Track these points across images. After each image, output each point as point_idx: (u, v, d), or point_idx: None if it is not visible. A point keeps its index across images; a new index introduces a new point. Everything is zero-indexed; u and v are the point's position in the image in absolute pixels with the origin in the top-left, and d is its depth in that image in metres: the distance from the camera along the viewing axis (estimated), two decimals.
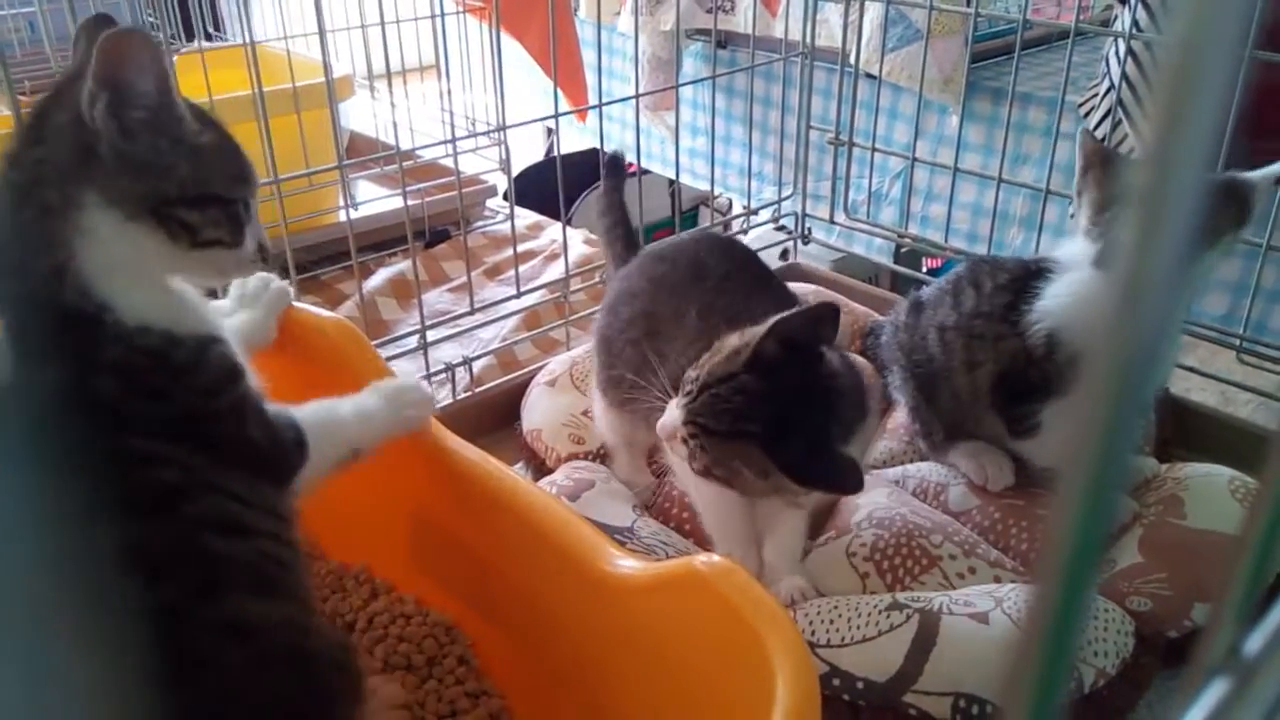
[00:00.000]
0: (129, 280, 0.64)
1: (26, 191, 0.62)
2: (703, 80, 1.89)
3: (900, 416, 1.20)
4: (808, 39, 1.56)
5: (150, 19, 2.09)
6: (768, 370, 0.84)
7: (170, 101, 0.63)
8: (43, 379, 0.62)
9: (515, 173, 1.61)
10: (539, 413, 1.22)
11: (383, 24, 1.38)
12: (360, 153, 1.74)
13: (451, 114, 1.65)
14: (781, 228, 1.74)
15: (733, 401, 0.83)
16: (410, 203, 1.29)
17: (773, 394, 0.84)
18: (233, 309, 0.89)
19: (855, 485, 0.85)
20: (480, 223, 1.83)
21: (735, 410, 0.83)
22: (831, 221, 1.67)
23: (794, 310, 0.86)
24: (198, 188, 0.65)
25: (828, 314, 0.86)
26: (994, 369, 1.03)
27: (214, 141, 0.66)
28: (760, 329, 0.85)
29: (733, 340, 0.88)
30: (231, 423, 0.67)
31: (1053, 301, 0.99)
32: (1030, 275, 1.03)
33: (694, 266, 1.05)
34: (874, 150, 1.59)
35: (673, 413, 0.88)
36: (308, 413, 0.75)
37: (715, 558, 0.70)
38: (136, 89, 0.61)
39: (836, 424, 0.88)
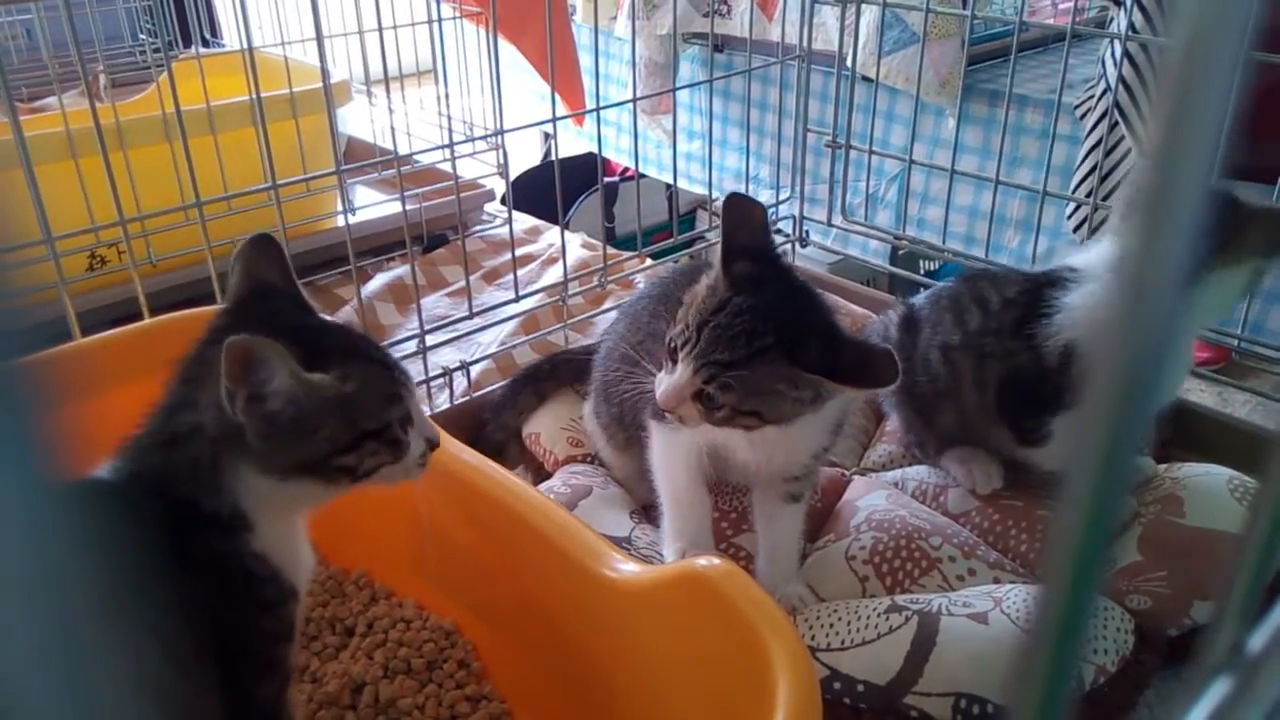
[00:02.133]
0: (276, 518, 0.66)
1: (173, 441, 0.64)
2: (700, 84, 1.90)
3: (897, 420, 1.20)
4: (804, 42, 1.56)
5: (148, 25, 2.09)
6: (753, 288, 0.82)
7: (306, 385, 0.63)
8: (138, 527, 0.62)
9: (513, 177, 1.61)
10: (538, 416, 1.22)
11: (380, 29, 1.38)
12: (358, 158, 1.74)
13: (449, 119, 1.65)
14: (779, 231, 1.74)
15: (735, 325, 0.80)
16: (408, 207, 1.30)
17: (769, 304, 0.81)
18: None
19: (892, 372, 0.78)
20: (478, 227, 1.83)
21: (743, 331, 0.80)
22: (829, 224, 1.67)
23: (730, 222, 0.84)
24: (350, 434, 0.65)
25: (747, 207, 0.85)
26: (1001, 378, 1.03)
27: (359, 381, 0.65)
28: (715, 259, 0.84)
29: (699, 286, 0.86)
30: (253, 674, 0.66)
31: (1072, 312, 0.97)
32: (1043, 286, 1.01)
33: (661, 295, 1.05)
34: (871, 153, 1.59)
35: (669, 380, 0.83)
36: None
37: (716, 561, 0.70)
38: (269, 387, 0.61)
39: (835, 317, 0.86)
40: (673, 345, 0.84)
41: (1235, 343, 1.25)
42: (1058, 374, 0.96)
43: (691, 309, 0.83)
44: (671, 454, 0.95)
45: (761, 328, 0.80)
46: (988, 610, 0.86)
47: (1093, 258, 1.02)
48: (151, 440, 0.64)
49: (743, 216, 0.85)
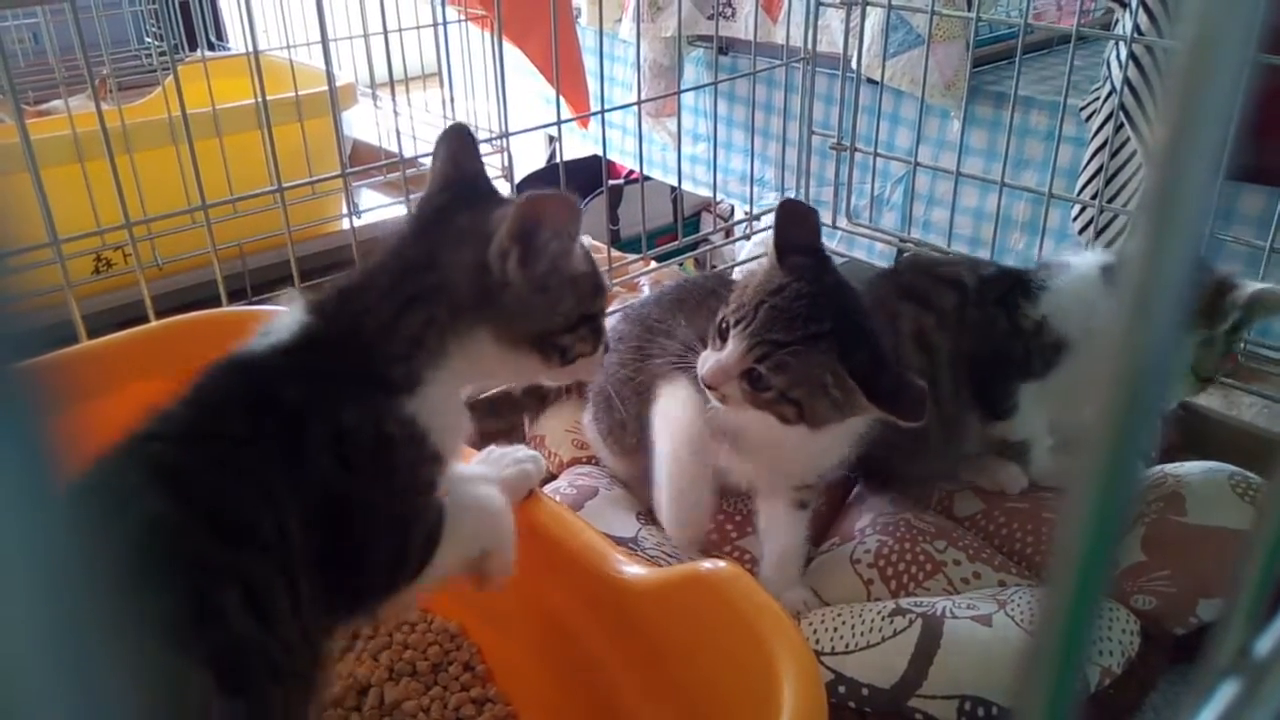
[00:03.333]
0: (454, 385, 0.67)
1: (412, 301, 0.64)
2: (704, 86, 1.89)
3: None
4: (809, 45, 1.56)
5: (154, 29, 2.10)
6: (811, 278, 0.83)
7: (571, 249, 0.66)
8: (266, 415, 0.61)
9: (518, 179, 1.61)
10: (543, 418, 1.22)
11: (385, 32, 1.39)
12: (363, 161, 1.75)
13: (454, 122, 1.65)
14: None
15: (794, 308, 0.81)
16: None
17: (829, 294, 0.82)
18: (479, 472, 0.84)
19: (920, 411, 0.78)
20: None
21: (801, 314, 0.80)
22: (834, 227, 1.67)
23: (783, 222, 0.86)
24: (577, 313, 0.68)
25: (801, 210, 0.88)
26: (984, 355, 1.03)
27: (587, 264, 0.69)
28: (770, 253, 0.86)
29: (755, 272, 0.87)
30: (380, 524, 0.65)
31: (1056, 293, 1.02)
32: (1026, 272, 1.06)
33: (676, 300, 1.05)
34: (876, 155, 1.59)
35: (718, 356, 0.83)
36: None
37: (721, 564, 0.70)
38: (548, 248, 0.64)
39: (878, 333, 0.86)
40: (725, 323, 0.84)
41: (1242, 345, 1.25)
42: (1030, 339, 1.01)
43: (748, 289, 0.84)
44: (685, 407, 0.92)
45: (819, 314, 0.80)
46: (992, 613, 0.86)
47: (1084, 256, 1.08)
48: (374, 295, 0.64)
49: (797, 217, 0.87)
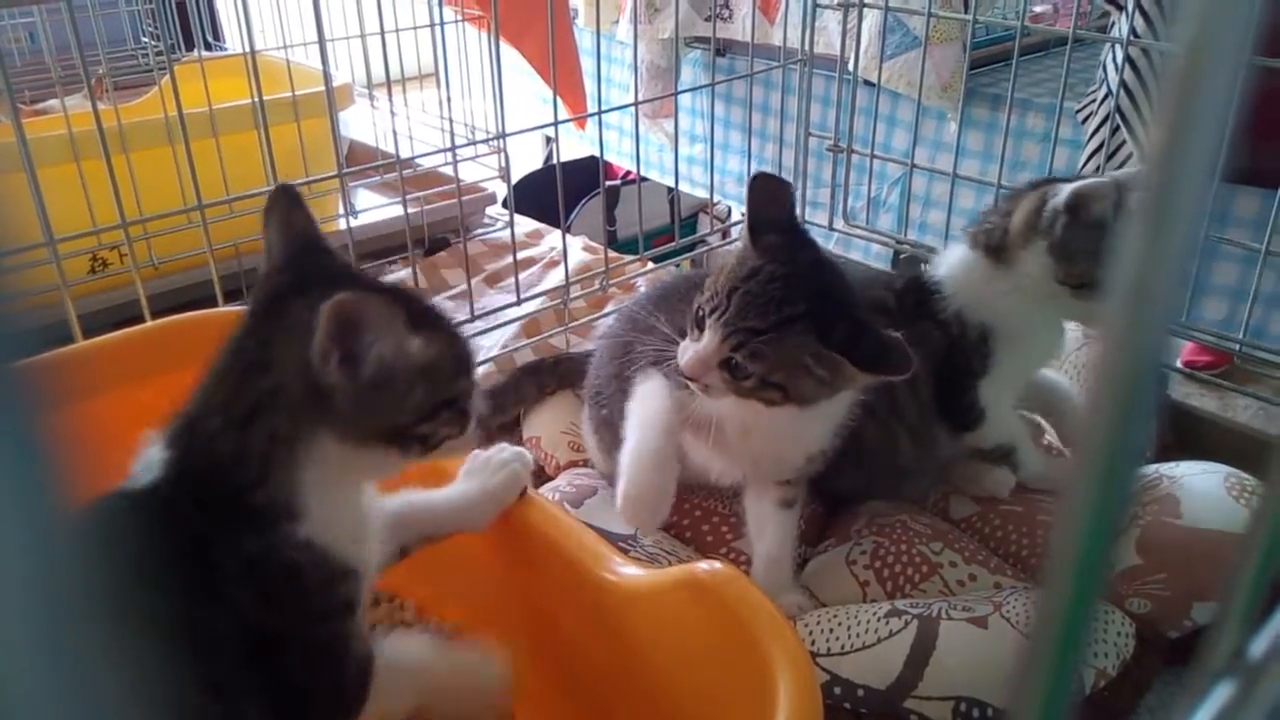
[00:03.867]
0: (334, 496, 0.63)
1: (252, 415, 0.60)
2: (701, 87, 1.90)
3: None
4: (806, 46, 1.56)
5: (150, 28, 2.10)
6: (784, 258, 0.81)
7: (404, 348, 0.61)
8: (174, 529, 0.60)
9: (515, 180, 1.61)
10: (538, 420, 1.22)
11: (382, 33, 1.39)
12: (360, 161, 1.75)
13: (451, 122, 1.65)
14: None
15: (767, 292, 0.79)
16: (410, 211, 1.30)
17: (801, 274, 0.80)
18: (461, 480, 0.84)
19: (906, 362, 0.78)
20: (480, 230, 1.83)
21: (775, 298, 0.79)
22: (830, 228, 1.67)
23: (756, 199, 0.84)
24: (431, 402, 0.63)
25: (773, 184, 0.85)
26: (930, 365, 1.02)
27: (440, 345, 0.64)
28: (744, 233, 0.84)
29: (728, 258, 0.85)
30: (309, 655, 0.64)
31: (950, 283, 1.02)
32: (921, 275, 1.07)
33: (660, 296, 1.05)
34: (873, 157, 1.59)
35: (695, 347, 0.81)
36: (385, 655, 0.71)
37: (717, 565, 0.70)
38: (372, 351, 0.59)
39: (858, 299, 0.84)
40: (700, 312, 0.82)
41: (1237, 347, 1.25)
42: (960, 340, 1.01)
43: (721, 276, 0.82)
44: (657, 395, 0.91)
45: (793, 296, 0.79)
46: (988, 614, 0.86)
47: (947, 254, 1.08)
48: (216, 418, 0.60)
49: (769, 193, 0.85)
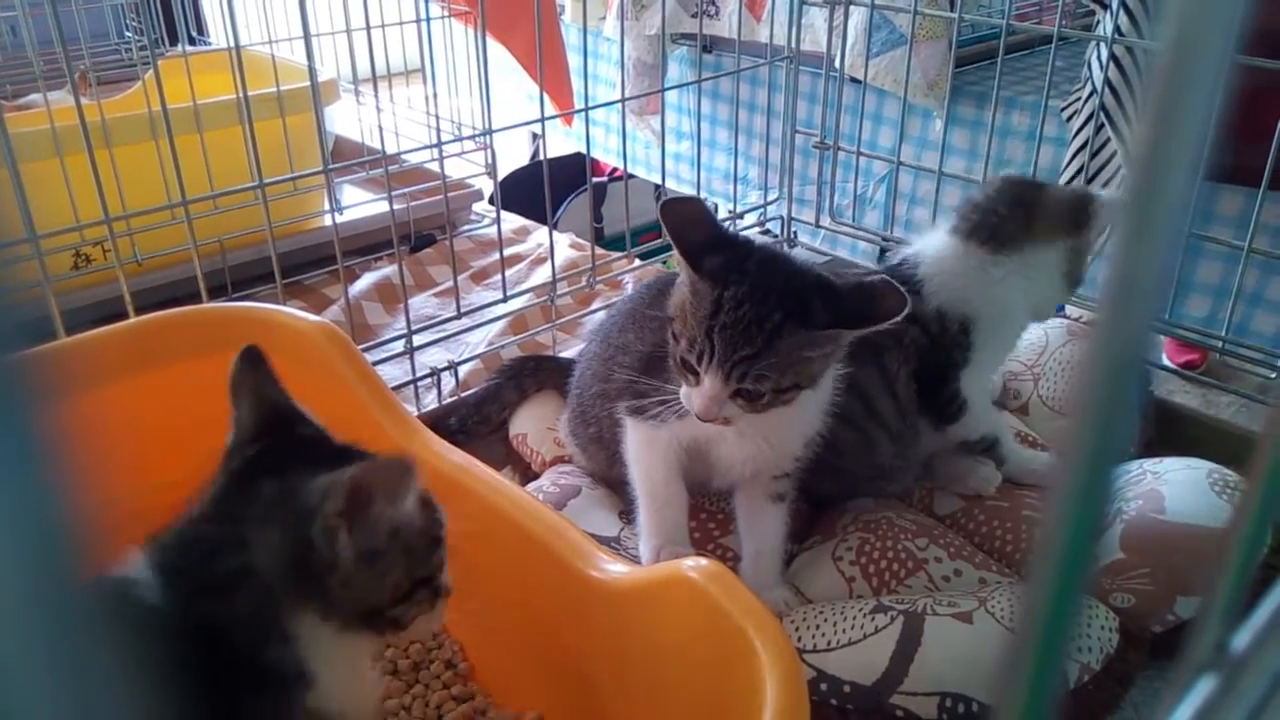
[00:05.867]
0: (331, 668, 0.60)
1: (230, 591, 0.57)
2: (688, 84, 1.90)
3: None
4: (792, 43, 1.57)
5: (134, 23, 2.08)
6: (736, 276, 0.81)
7: (405, 511, 0.59)
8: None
9: (501, 177, 1.61)
10: (524, 417, 1.22)
11: (368, 28, 1.38)
12: (345, 157, 1.74)
13: (437, 118, 1.65)
14: (767, 232, 1.74)
15: (741, 318, 0.80)
16: (396, 207, 1.29)
17: (760, 284, 0.81)
18: None
19: (899, 299, 0.79)
20: (466, 227, 1.83)
21: (752, 319, 0.80)
22: (817, 225, 1.68)
23: (674, 227, 0.84)
24: (409, 582, 0.61)
25: (683, 206, 0.85)
26: (910, 367, 1.04)
27: (422, 517, 0.62)
28: (680, 264, 0.84)
29: (678, 297, 0.85)
30: None
31: (930, 281, 1.04)
32: (895, 269, 1.08)
33: (629, 313, 1.05)
34: (859, 154, 1.59)
35: (699, 393, 0.83)
36: None
37: (704, 562, 0.70)
38: (382, 518, 0.57)
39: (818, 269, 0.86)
40: (686, 361, 0.83)
41: (1219, 344, 1.26)
42: (940, 337, 1.04)
43: (687, 322, 0.83)
44: (649, 450, 0.95)
45: (765, 309, 0.79)
46: (973, 610, 0.86)
47: (928, 237, 1.11)
48: (194, 584, 0.57)
49: (684, 216, 0.84)
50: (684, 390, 0.85)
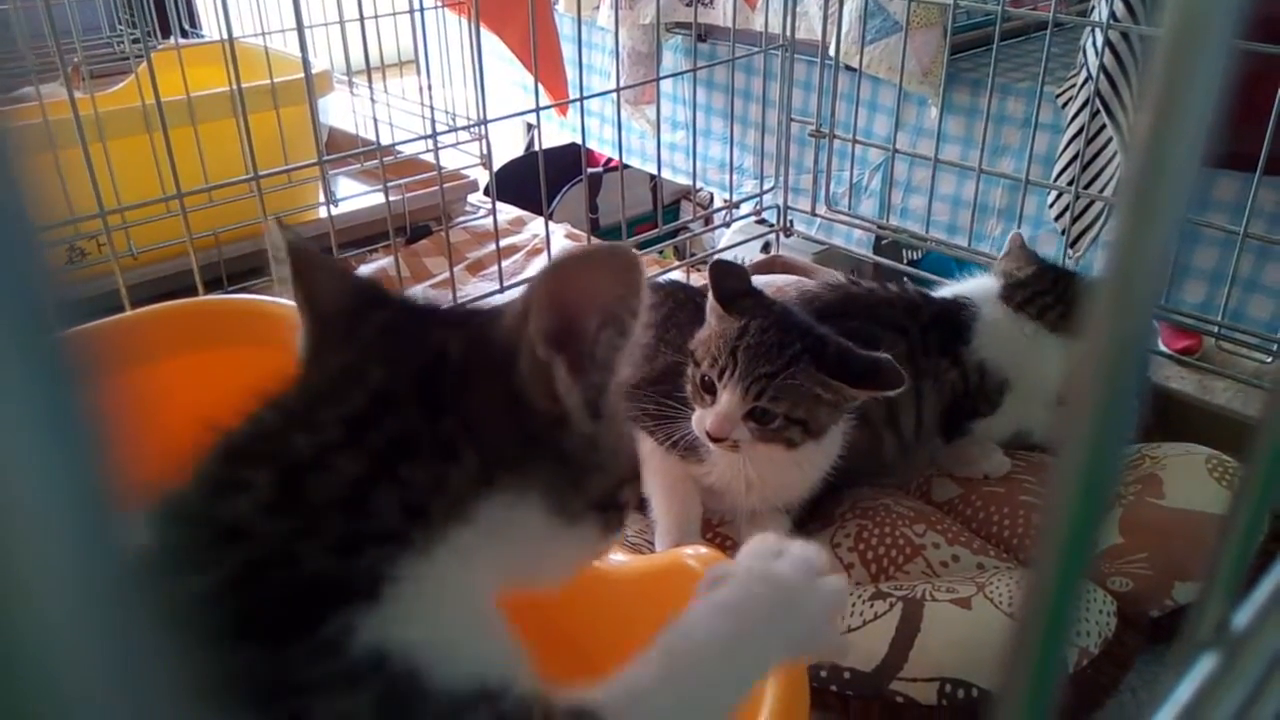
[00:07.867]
0: (468, 611, 0.44)
1: (434, 458, 0.40)
2: (683, 73, 1.89)
3: None
4: (788, 31, 1.56)
5: (127, 15, 2.07)
6: (763, 313, 0.89)
7: (633, 331, 0.41)
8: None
9: (496, 168, 1.60)
10: None
11: (361, 19, 1.38)
12: (340, 149, 1.73)
13: (432, 109, 1.64)
14: (763, 221, 1.74)
15: (766, 340, 0.86)
16: (391, 199, 1.29)
17: (784, 319, 0.89)
18: None
19: (899, 377, 0.85)
20: (462, 218, 1.83)
21: (774, 343, 0.86)
22: (813, 214, 1.68)
23: (717, 278, 0.92)
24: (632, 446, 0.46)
25: (730, 266, 0.96)
26: (940, 402, 1.07)
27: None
28: (710, 309, 0.92)
29: (707, 328, 0.92)
30: None
31: (982, 335, 1.08)
32: (953, 311, 1.10)
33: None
34: (854, 142, 1.59)
35: (714, 410, 0.87)
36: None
37: (703, 550, 0.70)
38: (600, 342, 0.40)
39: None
40: (706, 379, 0.89)
41: (1215, 329, 1.26)
42: (976, 388, 1.07)
43: (710, 345, 0.89)
44: (664, 452, 0.96)
45: (787, 337, 0.87)
46: (971, 595, 0.87)
47: (976, 288, 1.14)
48: (357, 449, 0.40)
49: (726, 271, 0.94)
50: (696, 414, 0.90)
